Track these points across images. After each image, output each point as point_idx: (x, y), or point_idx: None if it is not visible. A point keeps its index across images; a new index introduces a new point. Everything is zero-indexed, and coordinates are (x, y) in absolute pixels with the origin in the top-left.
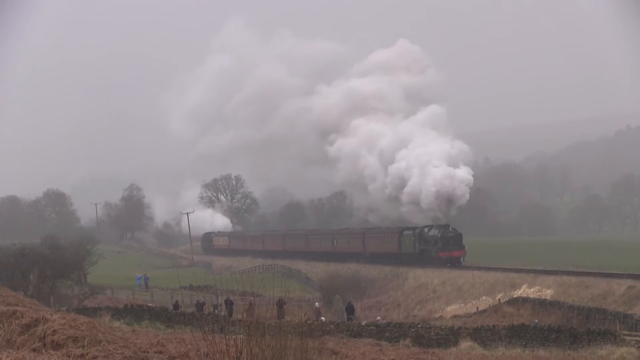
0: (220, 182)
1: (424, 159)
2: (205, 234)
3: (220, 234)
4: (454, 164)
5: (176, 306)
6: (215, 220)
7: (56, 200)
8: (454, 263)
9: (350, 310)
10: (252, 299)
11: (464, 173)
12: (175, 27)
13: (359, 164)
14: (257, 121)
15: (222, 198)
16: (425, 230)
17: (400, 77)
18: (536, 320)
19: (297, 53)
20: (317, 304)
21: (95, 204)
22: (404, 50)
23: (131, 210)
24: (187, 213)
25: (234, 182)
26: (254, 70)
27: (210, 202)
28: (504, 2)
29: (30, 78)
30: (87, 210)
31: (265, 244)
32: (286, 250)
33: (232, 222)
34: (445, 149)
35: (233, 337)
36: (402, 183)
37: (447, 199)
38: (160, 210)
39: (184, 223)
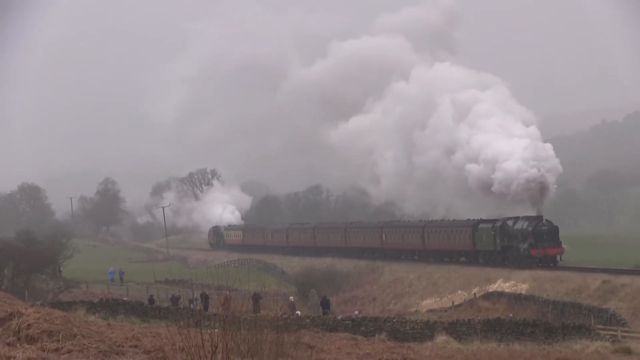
0: (196, 176)
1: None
2: (214, 227)
3: (232, 227)
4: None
5: (151, 300)
6: (224, 213)
7: (31, 194)
8: (549, 262)
9: (325, 304)
10: (228, 293)
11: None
12: (156, 15)
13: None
14: (252, 98)
15: (198, 192)
16: (509, 223)
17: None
18: (511, 315)
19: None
20: (291, 297)
21: (71, 198)
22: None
23: (106, 204)
24: (163, 207)
25: (210, 177)
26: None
27: (187, 199)
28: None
29: (2, 70)
30: (62, 204)
31: (290, 238)
32: (317, 246)
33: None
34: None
35: (208, 331)
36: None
37: (540, 185)
38: (135, 205)
39: (169, 216)
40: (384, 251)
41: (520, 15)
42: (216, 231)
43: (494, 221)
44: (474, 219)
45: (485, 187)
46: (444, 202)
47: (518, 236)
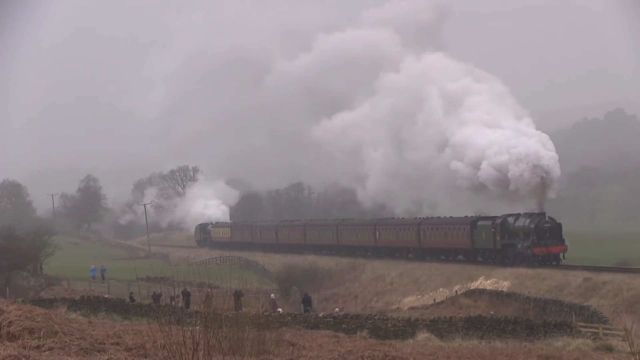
0: (177, 174)
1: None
2: (201, 224)
3: (220, 224)
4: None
5: (131, 298)
6: (213, 210)
7: (12, 191)
8: (552, 261)
9: (307, 302)
10: (210, 290)
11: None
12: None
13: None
14: (236, 94)
15: (180, 189)
16: (510, 220)
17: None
18: (492, 312)
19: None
20: (272, 295)
21: (52, 195)
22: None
23: (88, 201)
24: (145, 204)
25: (192, 174)
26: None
27: (168, 195)
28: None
29: None
30: (43, 201)
31: (279, 236)
32: (307, 244)
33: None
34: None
35: (190, 328)
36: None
37: (542, 179)
38: (117, 202)
39: (151, 214)
40: (377, 249)
41: (508, 14)
42: (203, 228)
43: (493, 218)
44: (472, 216)
45: (474, 185)
46: (432, 201)
47: (519, 234)
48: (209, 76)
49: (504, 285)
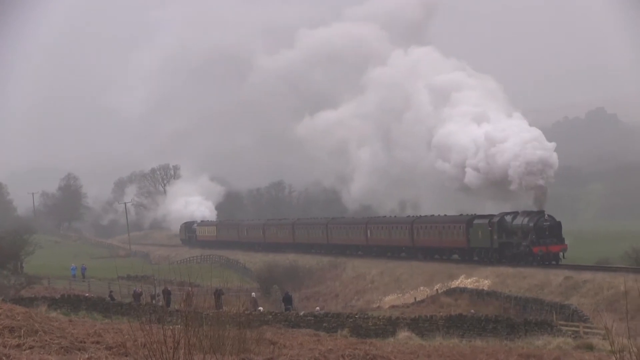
0: (158, 172)
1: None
2: (186, 223)
3: (205, 223)
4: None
5: (111, 297)
6: (195, 207)
7: None
8: (551, 260)
9: (287, 300)
10: (190, 289)
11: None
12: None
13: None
14: (219, 90)
15: (160, 188)
16: (507, 218)
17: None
18: (472, 311)
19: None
20: (253, 293)
21: (33, 194)
22: None
23: (68, 200)
24: (125, 203)
25: (172, 172)
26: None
27: (149, 194)
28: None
29: None
30: (24, 199)
31: (267, 234)
32: (296, 242)
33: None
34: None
35: (171, 327)
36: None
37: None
38: (97, 200)
39: (132, 212)
40: (369, 248)
41: (491, 15)
42: (188, 227)
43: (490, 216)
44: (467, 214)
45: (464, 186)
46: (416, 201)
47: (518, 232)
48: (191, 73)
49: (485, 284)
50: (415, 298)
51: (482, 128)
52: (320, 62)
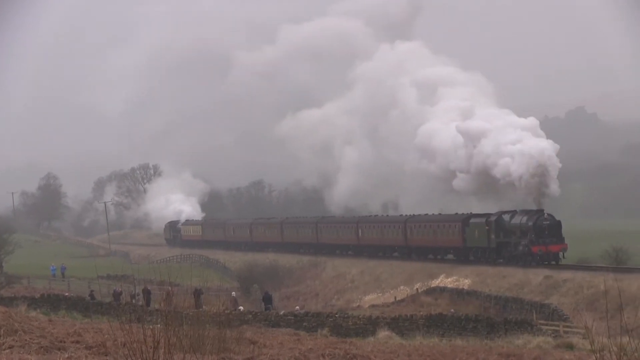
0: (138, 172)
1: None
2: (170, 222)
3: (190, 222)
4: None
5: (91, 296)
6: (178, 205)
7: None
8: (551, 260)
9: (267, 300)
10: (170, 288)
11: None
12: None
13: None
14: (201, 88)
15: (140, 188)
16: (505, 217)
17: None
18: (452, 310)
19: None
20: (233, 293)
21: (12, 193)
22: None
23: (48, 199)
24: (105, 202)
25: (152, 172)
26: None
27: (129, 193)
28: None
29: None
30: (3, 199)
31: (253, 234)
32: (285, 242)
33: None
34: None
35: (151, 326)
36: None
37: (541, 176)
38: (77, 200)
39: (112, 212)
40: (360, 248)
41: (476, 12)
42: (172, 226)
43: (487, 215)
44: (463, 213)
45: (448, 185)
46: (405, 201)
47: (516, 231)
48: (173, 71)
49: (465, 283)
50: (395, 297)
51: (474, 121)
52: (303, 59)
